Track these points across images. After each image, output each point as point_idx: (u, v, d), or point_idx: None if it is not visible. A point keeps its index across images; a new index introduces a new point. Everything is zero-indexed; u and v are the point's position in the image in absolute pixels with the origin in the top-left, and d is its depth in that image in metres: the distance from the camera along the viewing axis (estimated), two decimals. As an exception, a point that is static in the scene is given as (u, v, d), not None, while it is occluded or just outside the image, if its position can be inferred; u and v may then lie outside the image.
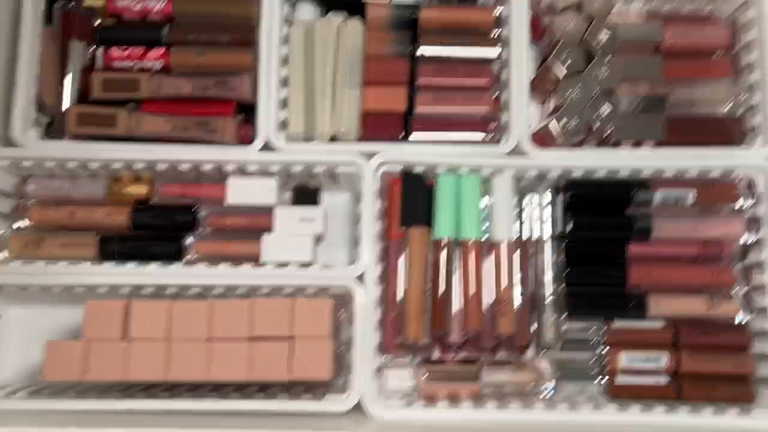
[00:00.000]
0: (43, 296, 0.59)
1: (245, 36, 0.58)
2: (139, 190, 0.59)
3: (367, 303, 0.55)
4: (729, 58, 0.60)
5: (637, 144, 0.58)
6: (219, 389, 0.56)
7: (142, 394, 0.54)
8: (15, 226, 0.59)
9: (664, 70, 0.59)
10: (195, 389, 0.56)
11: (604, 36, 0.56)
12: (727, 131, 0.58)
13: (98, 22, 0.59)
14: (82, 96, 0.58)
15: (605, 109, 0.56)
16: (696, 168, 0.57)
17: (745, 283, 0.58)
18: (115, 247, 0.58)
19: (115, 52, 0.58)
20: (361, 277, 0.56)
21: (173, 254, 0.58)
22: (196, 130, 0.55)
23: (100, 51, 0.58)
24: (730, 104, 0.59)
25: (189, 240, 0.59)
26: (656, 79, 0.58)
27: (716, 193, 0.58)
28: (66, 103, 0.57)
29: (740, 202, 0.58)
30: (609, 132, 0.57)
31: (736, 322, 0.58)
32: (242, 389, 0.56)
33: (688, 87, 0.59)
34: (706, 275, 0.58)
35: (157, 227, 0.59)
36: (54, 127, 0.58)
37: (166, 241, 0.58)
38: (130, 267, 0.56)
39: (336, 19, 0.58)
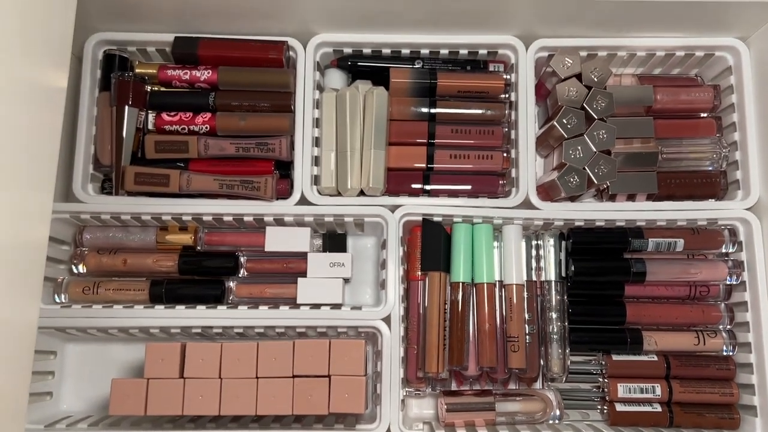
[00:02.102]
0: (99, 335, 0.65)
1: (282, 102, 0.64)
2: (184, 238, 0.65)
3: (392, 340, 0.61)
4: (713, 118, 0.67)
5: (632, 196, 0.65)
6: (260, 419, 0.62)
7: (191, 425, 0.61)
8: (73, 272, 0.65)
9: (655, 129, 0.65)
10: (238, 419, 0.62)
11: (601, 101, 0.63)
12: (712, 185, 0.65)
13: (150, 89, 0.65)
14: (134, 155, 0.65)
15: (603, 166, 0.62)
16: (684, 218, 0.64)
17: (730, 320, 0.64)
18: (164, 290, 0.64)
19: (166, 116, 0.64)
20: (387, 318, 0.62)
21: (217, 296, 0.64)
22: (241, 187, 0.62)
23: (151, 115, 0.64)
24: (714, 160, 0.65)
25: (231, 283, 0.65)
26: (648, 138, 0.65)
27: (703, 240, 0.64)
28: (120, 162, 0.63)
29: (724, 249, 0.64)
30: (607, 186, 0.64)
31: (722, 355, 0.64)
32: (281, 419, 0.62)
33: (676, 144, 0.66)
34: (694, 313, 0.64)
35: (201, 272, 0.65)
36: (109, 183, 0.65)
37: (210, 285, 0.65)
38: (180, 310, 0.62)
39: (363, 86, 0.65)
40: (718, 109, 0.67)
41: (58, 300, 0.64)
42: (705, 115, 0.67)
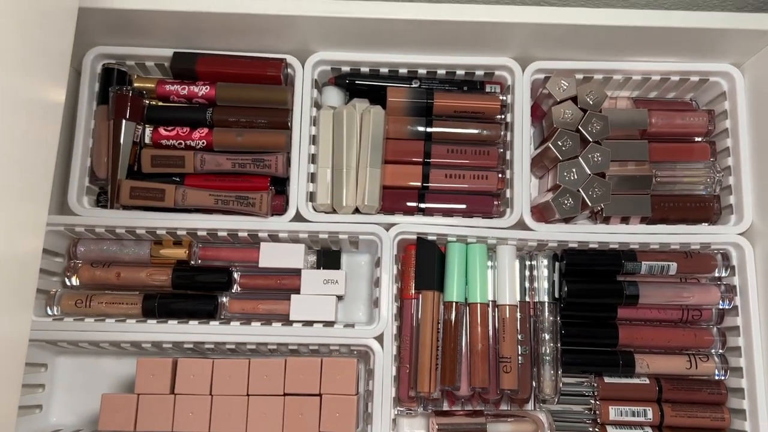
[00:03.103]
0: (90, 348, 0.65)
1: (280, 118, 0.64)
2: (178, 252, 0.65)
3: (384, 360, 0.61)
4: (707, 143, 0.67)
5: (625, 219, 0.65)
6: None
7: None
8: (66, 284, 0.65)
9: (650, 152, 0.66)
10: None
11: (596, 124, 0.63)
12: (705, 209, 0.65)
13: (148, 103, 0.65)
14: (130, 169, 0.65)
15: (598, 188, 0.63)
16: (678, 242, 0.64)
17: (722, 344, 0.64)
18: (156, 304, 0.64)
19: (163, 131, 0.64)
20: (379, 336, 0.62)
21: (210, 312, 0.64)
22: (236, 203, 0.62)
23: (148, 129, 0.65)
24: (708, 185, 0.66)
25: (224, 299, 0.65)
26: (643, 161, 0.66)
27: (696, 264, 0.64)
28: (116, 175, 0.63)
29: (717, 273, 0.65)
30: (601, 208, 0.64)
31: (714, 379, 0.64)
32: (271, 437, 0.62)
33: (670, 168, 0.66)
34: (687, 337, 0.64)
35: (195, 287, 0.65)
36: (105, 196, 0.65)
37: (203, 300, 0.64)
38: (172, 324, 0.62)
39: (360, 104, 0.65)
40: (712, 133, 0.67)
41: (50, 312, 0.64)
42: (699, 139, 0.68)
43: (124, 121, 0.64)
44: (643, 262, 0.64)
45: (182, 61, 0.65)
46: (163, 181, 0.64)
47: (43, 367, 0.66)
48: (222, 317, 0.65)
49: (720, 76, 0.67)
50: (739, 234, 0.64)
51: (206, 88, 0.64)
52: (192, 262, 0.65)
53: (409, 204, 0.65)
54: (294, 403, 0.56)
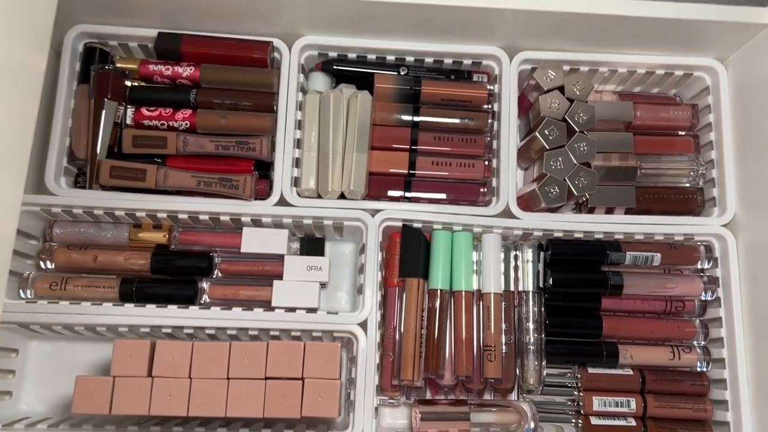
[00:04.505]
0: (64, 333, 0.63)
1: (265, 101, 0.63)
2: (158, 236, 0.63)
3: (368, 347, 0.60)
4: (691, 136, 0.68)
5: (610, 210, 0.65)
6: (229, 423, 0.60)
7: (157, 428, 0.58)
8: (41, 267, 0.63)
9: (635, 145, 0.66)
10: (207, 423, 0.60)
11: (583, 114, 0.64)
12: (689, 201, 0.66)
13: (130, 83, 0.64)
14: (110, 150, 0.63)
15: (584, 177, 0.63)
16: (662, 233, 0.64)
17: (704, 336, 0.65)
18: (134, 288, 0.62)
19: (145, 111, 0.63)
20: (363, 323, 0.61)
21: (189, 297, 0.62)
22: (219, 185, 0.61)
23: (130, 110, 0.63)
24: (692, 177, 0.66)
25: (204, 284, 0.63)
26: (627, 153, 0.66)
27: (679, 255, 0.65)
28: (96, 155, 0.62)
29: (700, 264, 0.65)
30: (586, 199, 0.64)
31: (696, 371, 0.64)
32: (251, 424, 0.61)
33: (655, 160, 0.66)
34: (670, 328, 0.65)
35: (174, 271, 0.63)
36: (83, 177, 0.63)
37: (182, 285, 0.63)
38: (150, 308, 0.60)
39: (347, 90, 0.65)
40: (695, 127, 0.68)
41: (23, 296, 0.61)
42: (683, 133, 0.68)
43: (105, 100, 0.62)
44: (627, 253, 0.64)
45: (167, 41, 0.63)
46: (144, 161, 0.62)
47: (14, 352, 0.64)
48: (202, 303, 0.63)
49: (704, 70, 0.67)
50: (722, 226, 0.64)
51: (191, 69, 0.63)
52: (172, 247, 0.64)
53: (396, 191, 0.64)
54: (275, 386, 0.55)
